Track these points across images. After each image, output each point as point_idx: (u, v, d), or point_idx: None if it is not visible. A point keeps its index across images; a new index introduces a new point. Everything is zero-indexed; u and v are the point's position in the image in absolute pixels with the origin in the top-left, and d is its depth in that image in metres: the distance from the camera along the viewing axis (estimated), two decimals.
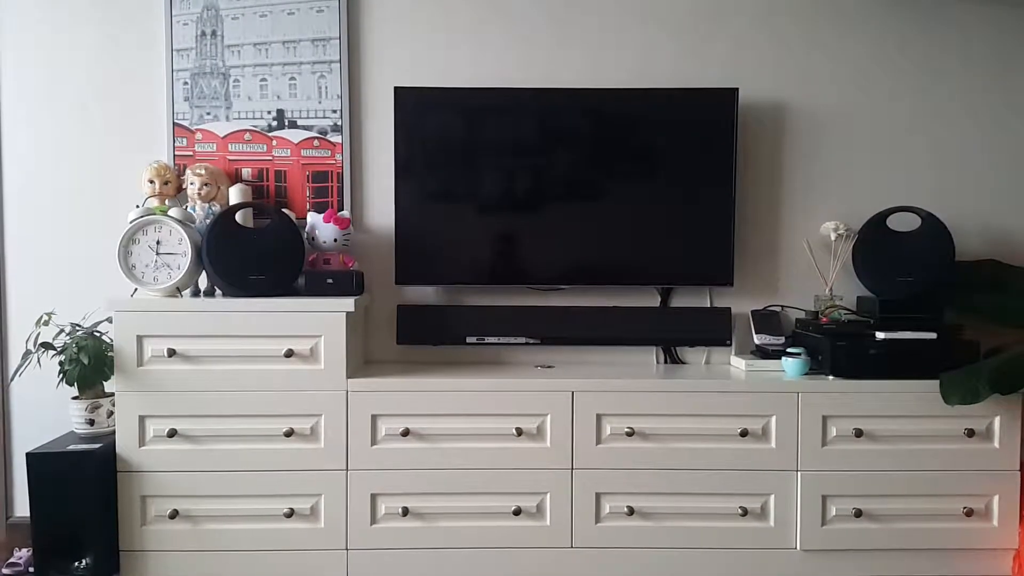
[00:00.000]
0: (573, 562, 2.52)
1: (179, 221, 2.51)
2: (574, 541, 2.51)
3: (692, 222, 2.78)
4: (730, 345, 2.84)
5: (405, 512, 2.49)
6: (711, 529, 2.52)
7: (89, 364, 2.50)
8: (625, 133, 2.77)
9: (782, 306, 2.87)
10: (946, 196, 2.85)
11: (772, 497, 2.52)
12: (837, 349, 2.54)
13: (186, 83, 2.81)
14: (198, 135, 2.82)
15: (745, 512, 2.51)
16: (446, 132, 2.76)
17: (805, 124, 2.86)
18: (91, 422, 2.56)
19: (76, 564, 2.45)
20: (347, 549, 2.50)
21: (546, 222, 2.77)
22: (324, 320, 2.48)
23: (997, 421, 2.52)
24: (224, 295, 2.58)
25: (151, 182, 2.65)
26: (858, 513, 2.51)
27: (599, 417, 2.50)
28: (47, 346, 2.55)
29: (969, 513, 2.52)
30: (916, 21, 2.86)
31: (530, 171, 2.78)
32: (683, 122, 2.77)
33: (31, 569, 2.50)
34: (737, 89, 2.74)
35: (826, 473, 2.51)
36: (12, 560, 2.61)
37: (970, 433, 2.51)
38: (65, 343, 2.55)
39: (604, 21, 2.84)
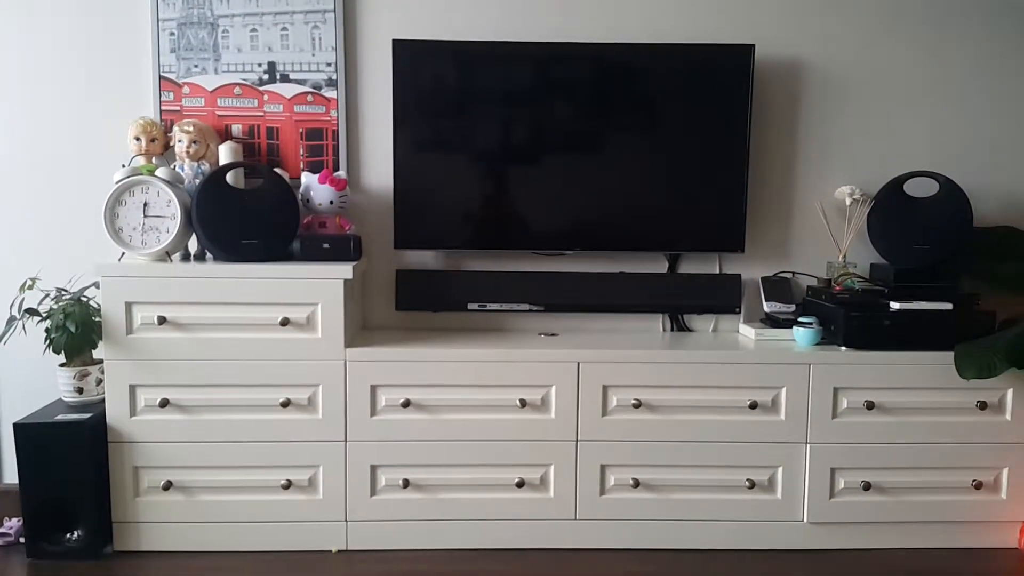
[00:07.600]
0: (577, 534, 2.48)
1: (167, 182, 2.38)
2: (578, 513, 2.47)
3: (703, 185, 2.67)
4: (739, 313, 2.76)
5: (406, 484, 2.44)
6: (717, 501, 2.49)
7: (76, 332, 2.40)
8: (635, 91, 2.64)
9: (793, 273, 2.78)
10: (964, 161, 2.75)
11: (780, 469, 2.48)
12: (850, 319, 2.47)
13: (172, 33, 2.65)
14: (185, 89, 2.68)
15: (752, 484, 2.47)
16: (448, 89, 2.62)
17: (822, 85, 2.73)
18: (80, 390, 2.48)
19: (68, 536, 2.39)
20: (346, 521, 2.45)
21: (551, 186, 2.66)
22: (321, 288, 2.39)
23: (1010, 394, 2.47)
24: (216, 260, 2.47)
25: (137, 139, 2.52)
26: (867, 486, 2.47)
27: (605, 388, 2.44)
28: (32, 312, 2.45)
29: (978, 486, 2.49)
30: None
31: (534, 132, 2.65)
32: (695, 80, 2.64)
33: (22, 540, 2.44)
34: (753, 45, 2.61)
35: (835, 445, 2.47)
36: (2, 530, 2.53)
37: (982, 406, 2.46)
38: (51, 309, 2.44)
39: None
